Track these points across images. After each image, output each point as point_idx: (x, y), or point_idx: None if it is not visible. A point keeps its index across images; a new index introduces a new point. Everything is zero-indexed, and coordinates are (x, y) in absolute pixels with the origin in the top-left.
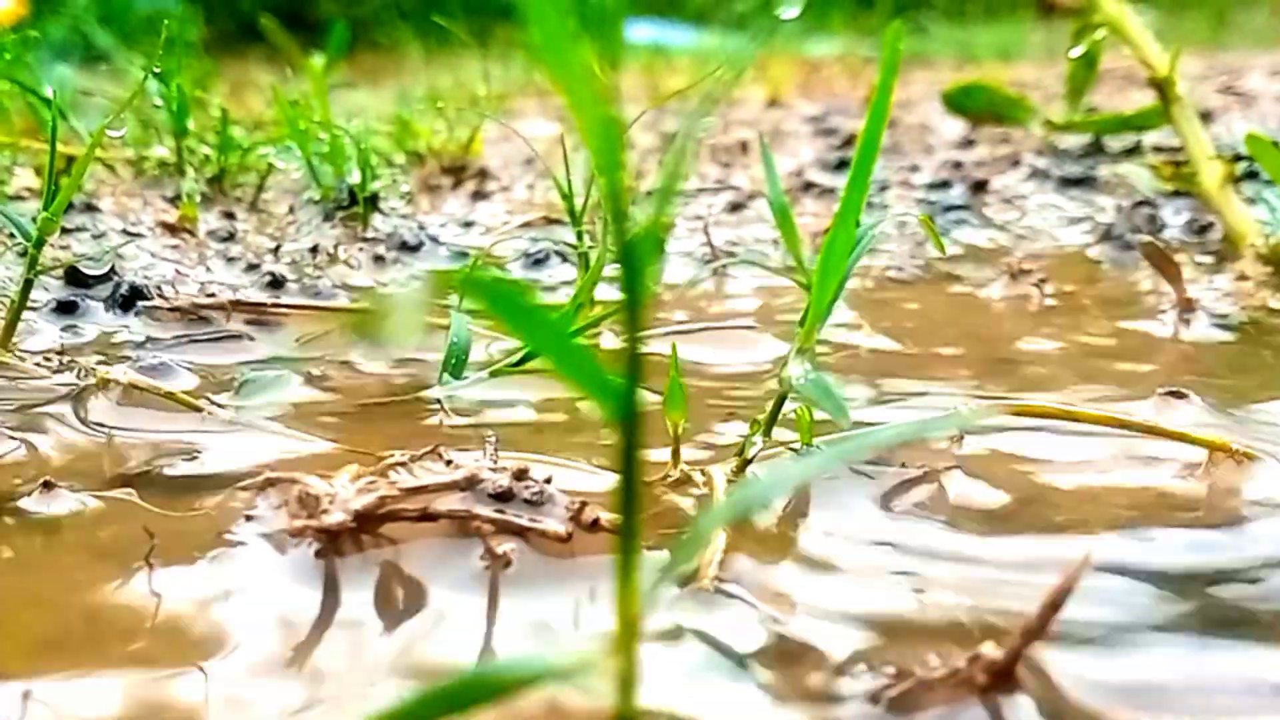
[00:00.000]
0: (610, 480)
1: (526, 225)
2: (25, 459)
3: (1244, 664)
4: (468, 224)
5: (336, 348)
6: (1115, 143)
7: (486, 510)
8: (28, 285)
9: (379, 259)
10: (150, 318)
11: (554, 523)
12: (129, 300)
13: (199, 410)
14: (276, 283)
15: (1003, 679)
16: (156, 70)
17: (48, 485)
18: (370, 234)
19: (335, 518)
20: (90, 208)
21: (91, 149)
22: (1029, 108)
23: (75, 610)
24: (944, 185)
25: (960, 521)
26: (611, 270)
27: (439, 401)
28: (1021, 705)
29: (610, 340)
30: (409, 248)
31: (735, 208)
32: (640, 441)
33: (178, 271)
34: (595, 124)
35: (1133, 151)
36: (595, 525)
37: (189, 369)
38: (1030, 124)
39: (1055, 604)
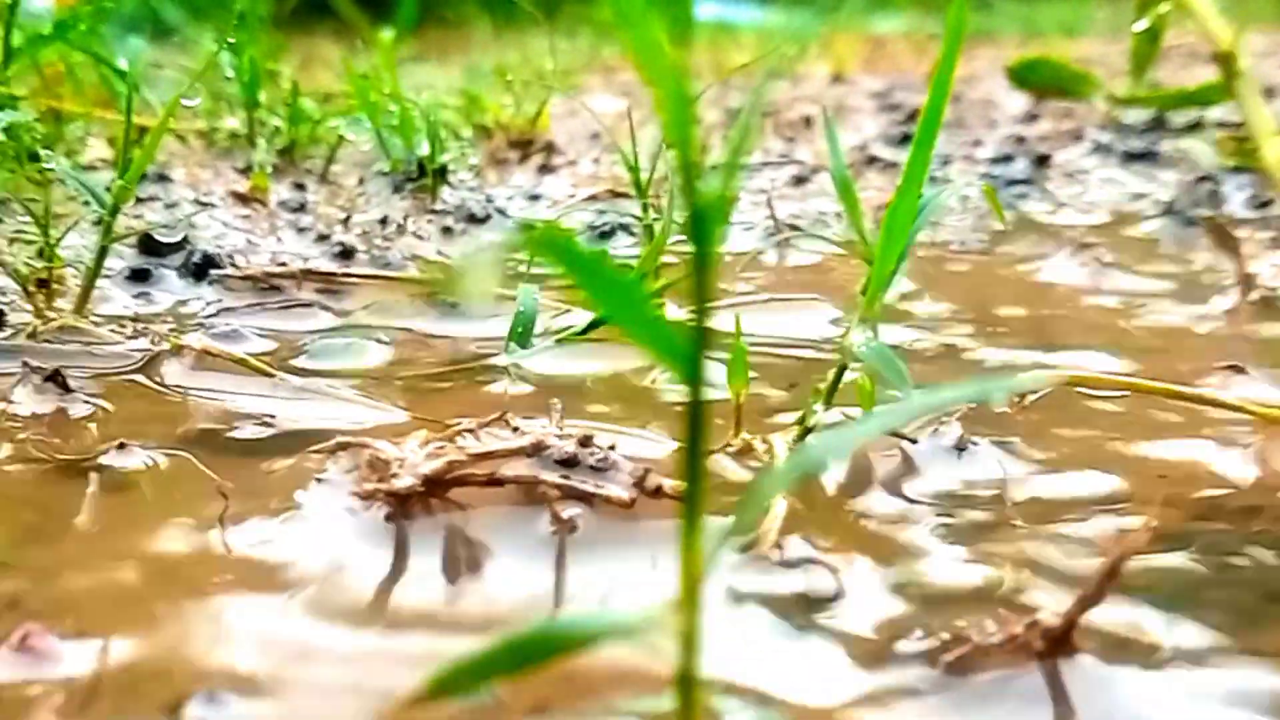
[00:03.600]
0: (673, 448)
1: (592, 199)
2: (101, 420)
3: None
4: (534, 197)
5: (406, 316)
6: (1178, 118)
7: (552, 476)
8: (103, 252)
9: (447, 230)
10: (222, 286)
11: (618, 489)
12: (201, 268)
13: (270, 376)
14: (346, 253)
15: (1060, 645)
16: (231, 40)
17: (122, 446)
18: (438, 206)
19: (404, 481)
20: (163, 178)
21: (166, 117)
22: (1093, 82)
23: (150, 568)
24: (1007, 159)
25: (1017, 489)
26: (676, 242)
27: (506, 370)
28: (1078, 671)
29: (674, 311)
30: (476, 220)
31: (799, 181)
32: (706, 400)
33: (249, 241)
34: (669, 92)
35: (1196, 127)
36: (658, 491)
37: (261, 336)
38: (1094, 98)
39: (1113, 571)
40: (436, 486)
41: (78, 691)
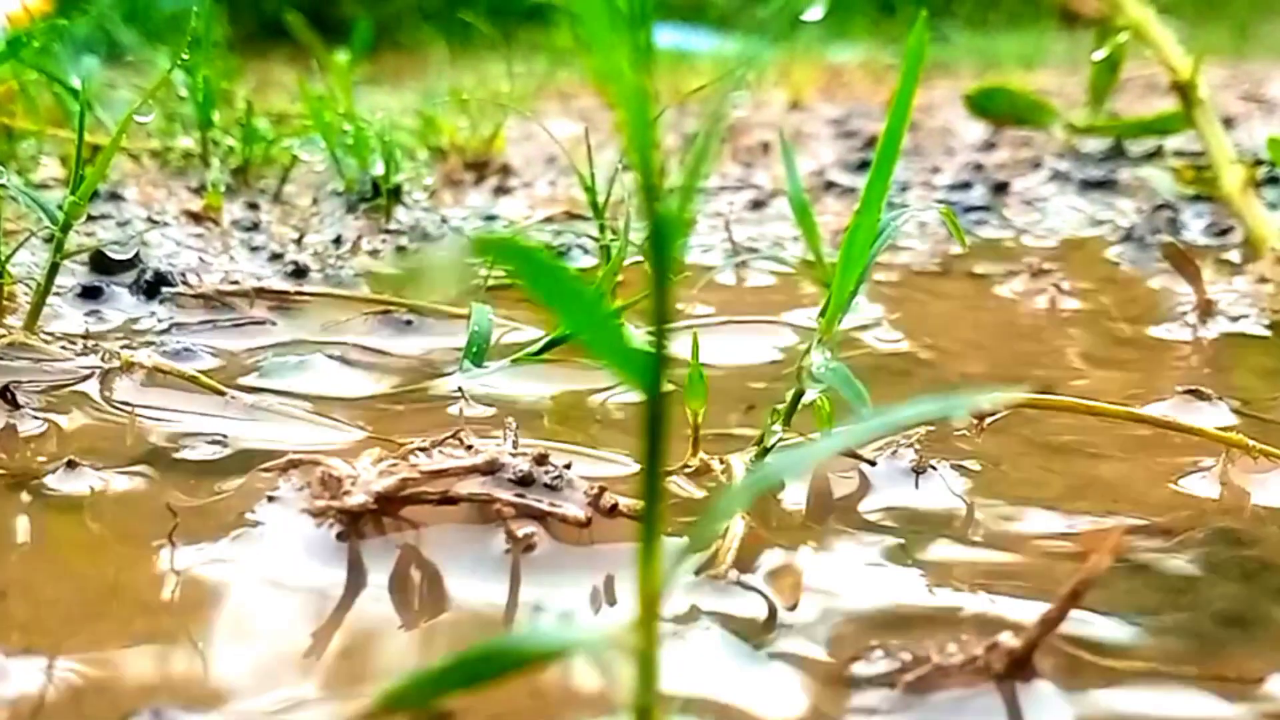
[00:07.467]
0: (628, 468)
1: (549, 219)
2: (50, 438)
3: (1257, 662)
4: (490, 217)
5: (359, 334)
6: (1136, 147)
7: (507, 494)
8: (53, 269)
9: (401, 250)
10: (174, 304)
11: (573, 508)
12: (154, 286)
13: (222, 394)
14: (299, 271)
15: (1020, 667)
16: (185, 56)
17: (71, 464)
18: (393, 226)
19: (357, 499)
20: (115, 196)
21: (119, 135)
22: (1051, 111)
23: (98, 586)
24: (965, 186)
25: (977, 513)
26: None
27: (460, 389)
28: (1037, 693)
29: (634, 331)
30: (431, 239)
31: (756, 205)
32: (666, 412)
33: (202, 259)
34: (632, 113)
35: (1154, 156)
36: (614, 510)
37: (212, 354)
38: (1052, 127)
39: (1075, 594)
40: (389, 504)
41: (23, 709)
